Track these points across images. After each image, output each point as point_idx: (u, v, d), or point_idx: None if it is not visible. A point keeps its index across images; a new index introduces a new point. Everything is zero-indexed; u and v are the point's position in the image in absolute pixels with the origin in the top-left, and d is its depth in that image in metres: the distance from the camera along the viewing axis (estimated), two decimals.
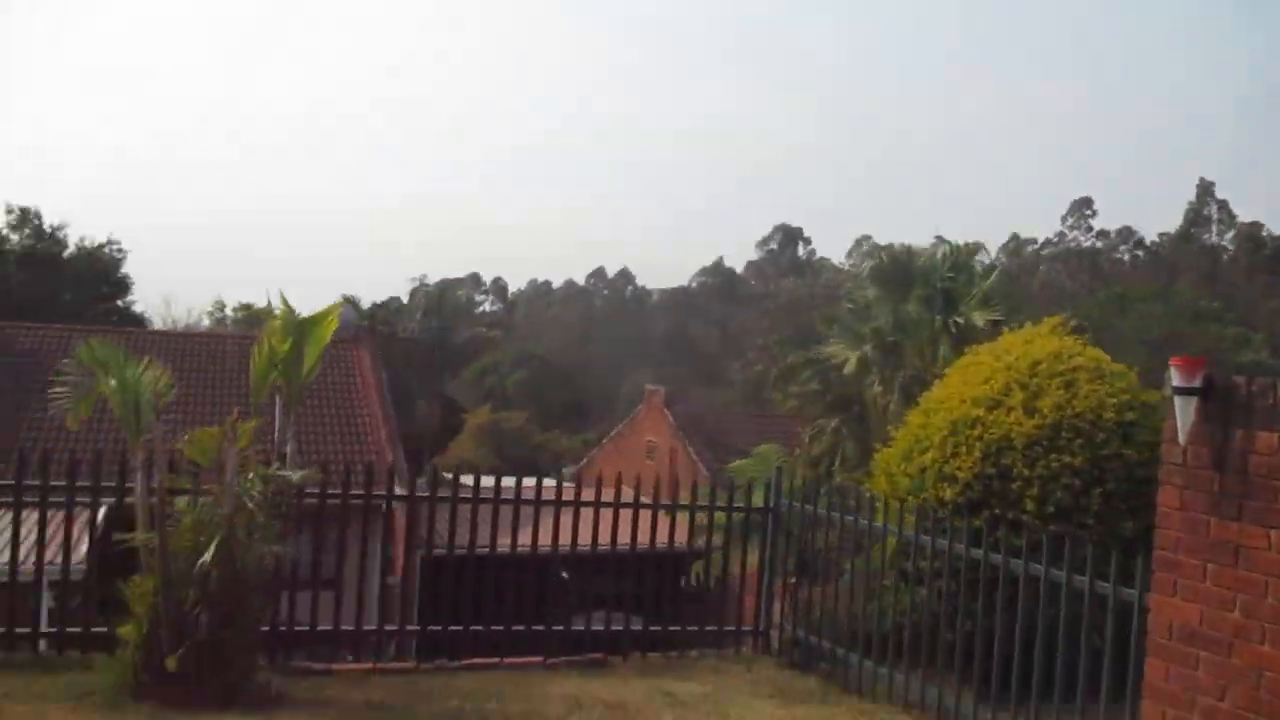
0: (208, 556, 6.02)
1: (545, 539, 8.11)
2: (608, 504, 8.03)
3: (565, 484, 10.03)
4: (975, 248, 18.42)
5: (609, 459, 27.47)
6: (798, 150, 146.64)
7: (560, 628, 8.19)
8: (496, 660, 7.61)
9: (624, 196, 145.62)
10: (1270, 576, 4.83)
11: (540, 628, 8.04)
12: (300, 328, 6.61)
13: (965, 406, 7.89)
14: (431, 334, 45.13)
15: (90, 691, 6.24)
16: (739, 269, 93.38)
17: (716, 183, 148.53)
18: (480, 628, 7.86)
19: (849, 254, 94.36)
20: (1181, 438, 5.14)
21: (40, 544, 7.11)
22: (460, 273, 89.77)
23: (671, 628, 8.34)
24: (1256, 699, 4.64)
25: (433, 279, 66.19)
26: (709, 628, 8.71)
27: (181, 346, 22.55)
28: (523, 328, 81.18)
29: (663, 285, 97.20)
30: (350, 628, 7.68)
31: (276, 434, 6.77)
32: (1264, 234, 69.26)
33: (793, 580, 8.27)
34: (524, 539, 8.01)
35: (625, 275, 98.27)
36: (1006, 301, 16.50)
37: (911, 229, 63.28)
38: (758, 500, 8.74)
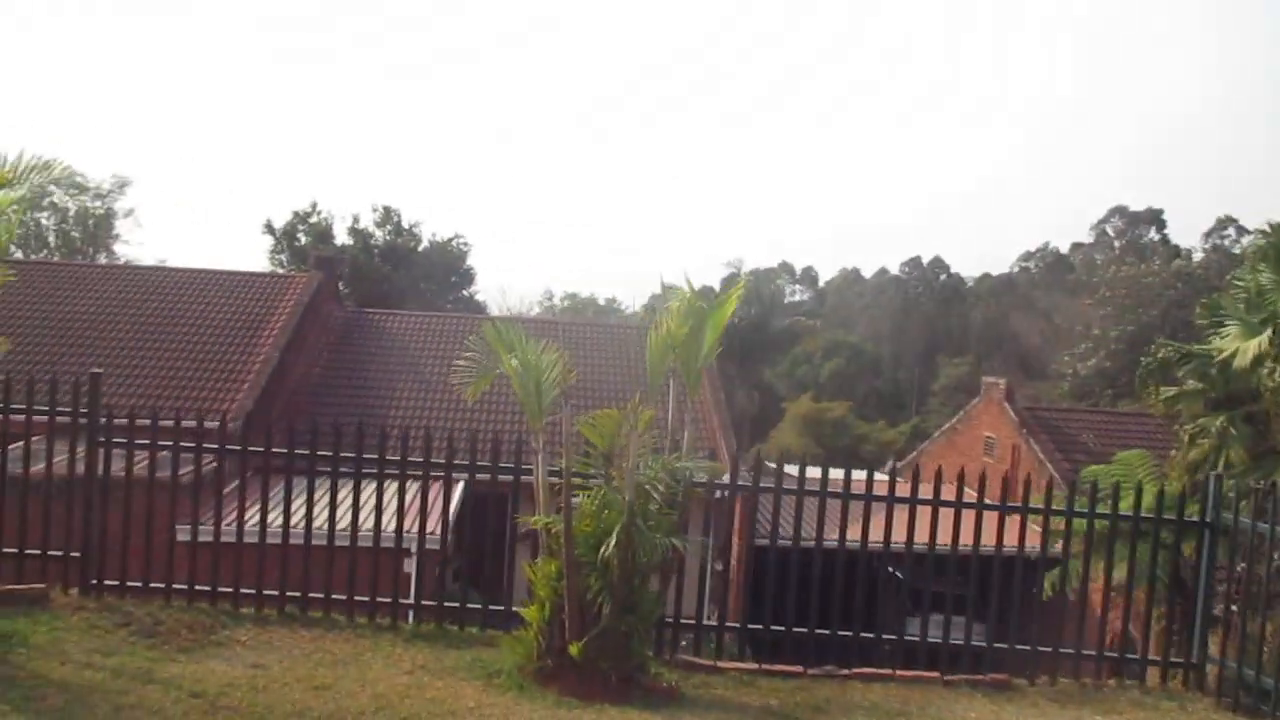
0: (611, 543, 5.88)
1: (877, 536, 7.45)
2: (999, 508, 7.23)
3: (898, 479, 9.09)
4: None
5: (942, 453, 26.09)
6: (1139, 127, 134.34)
7: (896, 636, 7.58)
8: (889, 672, 7.04)
9: (934, 180, 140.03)
10: None
11: (891, 636, 7.44)
12: (699, 311, 6.34)
13: None
14: (749, 322, 45.13)
15: (496, 671, 6.31)
16: (1066, 252, 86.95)
17: (1040, 163, 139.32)
18: (838, 633, 7.37)
19: (1206, 237, 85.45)
20: None
21: (400, 512, 7.39)
22: (770, 261, 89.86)
23: (1042, 648, 7.39)
24: None
25: (746, 267, 66.39)
26: (1087, 651, 7.56)
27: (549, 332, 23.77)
28: (833, 317, 79.92)
29: (980, 272, 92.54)
30: (736, 625, 7.41)
31: (670, 420, 6.54)
32: None
33: (1234, 609, 7.08)
34: (855, 535, 7.42)
35: (939, 263, 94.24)
36: None
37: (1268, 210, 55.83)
38: (1125, 507, 7.75)
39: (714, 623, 7.57)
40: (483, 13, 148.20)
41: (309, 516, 7.51)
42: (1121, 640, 7.72)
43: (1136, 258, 66.90)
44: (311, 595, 7.37)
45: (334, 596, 7.39)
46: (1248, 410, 14.56)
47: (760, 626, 7.65)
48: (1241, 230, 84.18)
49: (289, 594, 7.37)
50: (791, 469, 7.55)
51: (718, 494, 7.67)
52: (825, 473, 7.53)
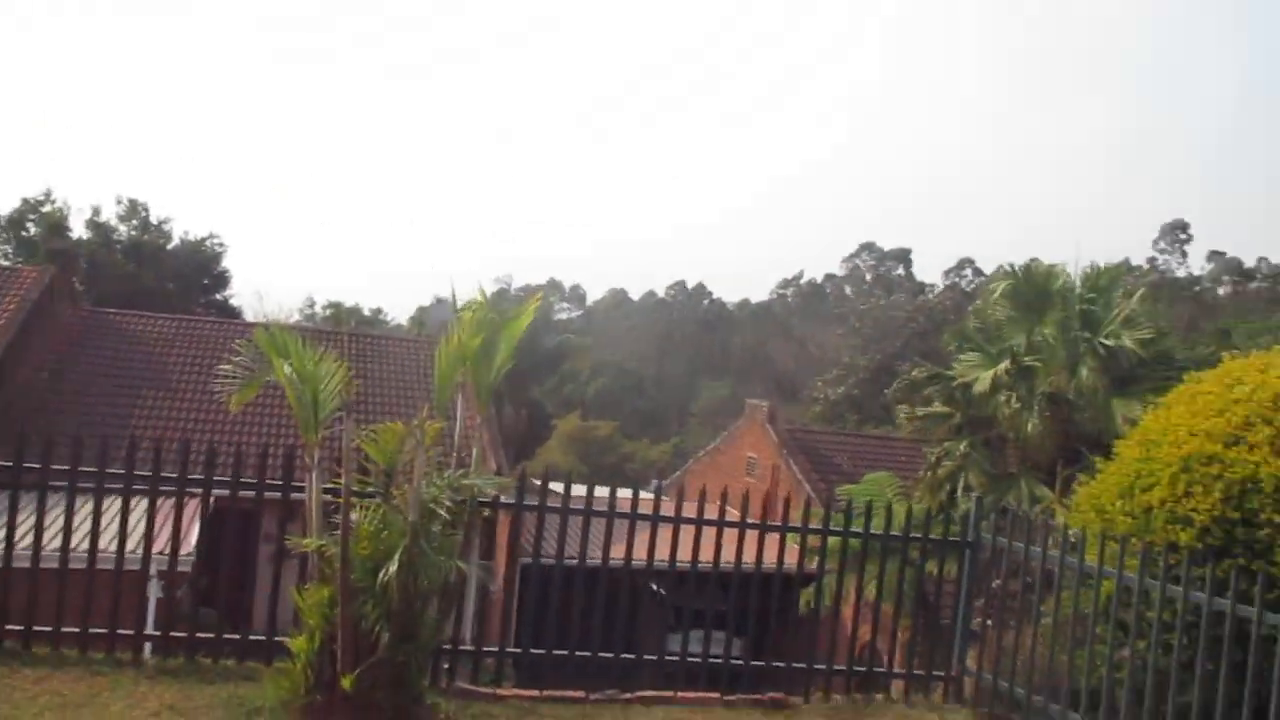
0: (392, 567, 5.50)
1: (641, 553, 7.41)
2: (761, 526, 7.38)
3: (663, 498, 9.11)
4: (1119, 270, 17.45)
5: (706, 472, 26.79)
6: (882, 169, 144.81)
7: (658, 656, 7.57)
8: (670, 694, 6.98)
9: (701, 211, 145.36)
10: None
11: (673, 657, 7.47)
12: (492, 323, 6.08)
13: (1198, 441, 7.07)
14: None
15: (257, 709, 5.77)
16: (820, 282, 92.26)
17: (802, 199, 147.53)
18: (614, 655, 7.26)
19: (947, 274, 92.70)
20: None
21: (150, 535, 6.74)
22: (539, 277, 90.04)
23: (807, 665, 7.60)
24: None
25: (516, 283, 66.22)
26: (838, 667, 7.75)
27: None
28: (601, 337, 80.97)
29: (740, 297, 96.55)
30: (517, 650, 7.14)
31: (456, 436, 6.22)
32: None
33: (989, 623, 7.52)
34: (619, 554, 7.38)
35: (702, 288, 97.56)
36: (1151, 324, 15.52)
37: (1010, 251, 61.64)
38: (877, 525, 8.18)
39: (494, 648, 7.29)
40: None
41: (38, 538, 6.61)
42: (870, 653, 8.07)
43: (885, 291, 71.97)
44: (36, 629, 6.50)
45: (65, 630, 6.55)
46: (986, 435, 15.73)
47: (543, 651, 7.38)
48: (978, 271, 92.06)
49: (7, 628, 6.48)
50: (557, 487, 7.33)
51: (500, 513, 7.43)
52: (592, 490, 7.50)
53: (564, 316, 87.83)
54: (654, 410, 63.96)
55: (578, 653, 7.24)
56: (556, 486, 7.24)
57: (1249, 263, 79.84)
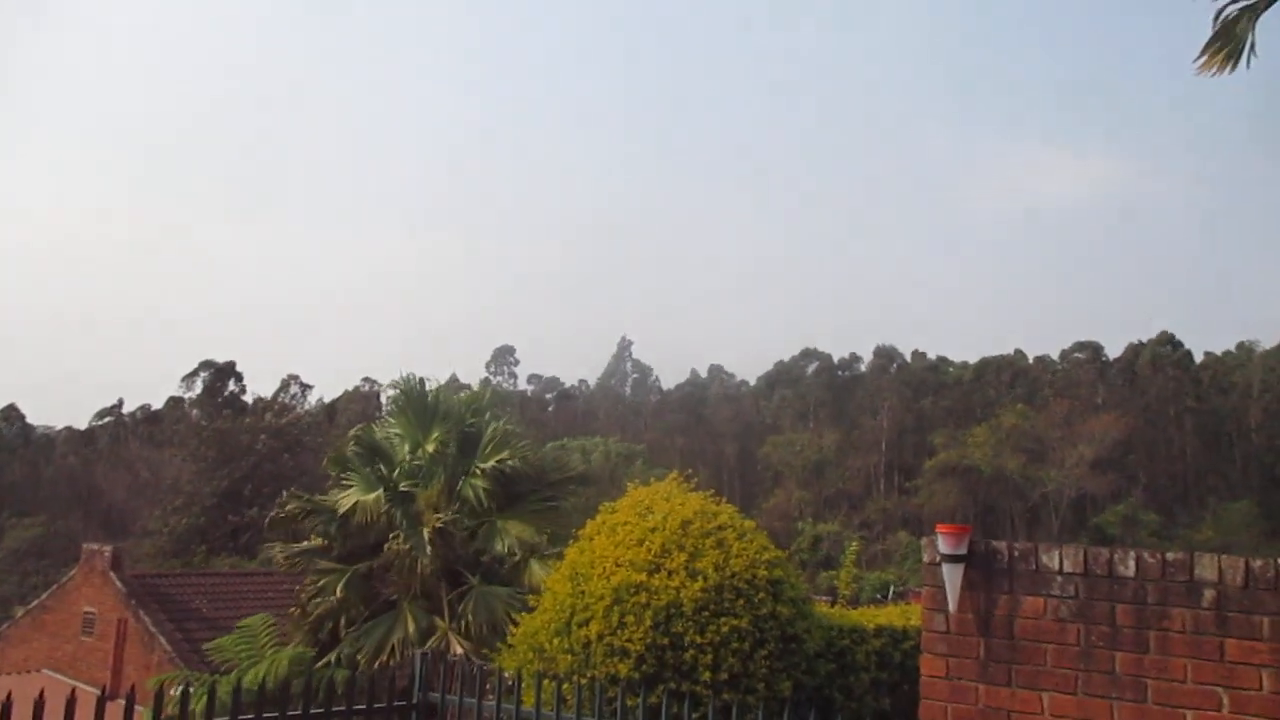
0: None
1: None
2: None
3: None
4: (485, 393, 18.35)
5: (28, 637, 22.42)
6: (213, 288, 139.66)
7: None
8: None
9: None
10: None
11: None
12: None
13: (625, 571, 7.33)
14: None
15: None
16: (160, 408, 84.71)
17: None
18: None
19: (275, 394, 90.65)
20: (952, 604, 5.13)
21: None
22: None
23: None
24: None
25: None
26: None
27: None
28: None
29: (61, 425, 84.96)
30: None
31: None
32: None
33: None
34: None
35: (9, 410, 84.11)
36: (527, 441, 16.50)
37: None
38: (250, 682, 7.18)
39: None
40: None
41: None
42: None
43: (234, 411, 68.22)
44: None
45: None
46: (368, 565, 14.97)
47: None
48: (305, 386, 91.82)
49: None
50: None
51: None
52: None
53: None
54: None
55: None
56: None
57: (569, 383, 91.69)
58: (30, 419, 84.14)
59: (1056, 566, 4.91)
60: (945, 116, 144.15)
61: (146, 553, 49.00)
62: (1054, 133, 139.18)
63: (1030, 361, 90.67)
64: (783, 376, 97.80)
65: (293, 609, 15.20)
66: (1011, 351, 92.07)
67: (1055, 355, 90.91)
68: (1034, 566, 4.98)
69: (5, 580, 56.79)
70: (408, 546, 14.24)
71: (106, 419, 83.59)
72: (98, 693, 5.23)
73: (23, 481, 73.73)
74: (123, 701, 5.08)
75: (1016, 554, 5.04)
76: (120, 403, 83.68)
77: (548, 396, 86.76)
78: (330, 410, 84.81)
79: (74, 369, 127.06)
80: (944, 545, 5.08)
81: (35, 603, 23.76)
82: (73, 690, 5.09)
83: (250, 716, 6.00)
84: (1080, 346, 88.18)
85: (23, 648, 22.50)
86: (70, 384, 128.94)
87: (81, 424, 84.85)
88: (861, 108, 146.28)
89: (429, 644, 13.03)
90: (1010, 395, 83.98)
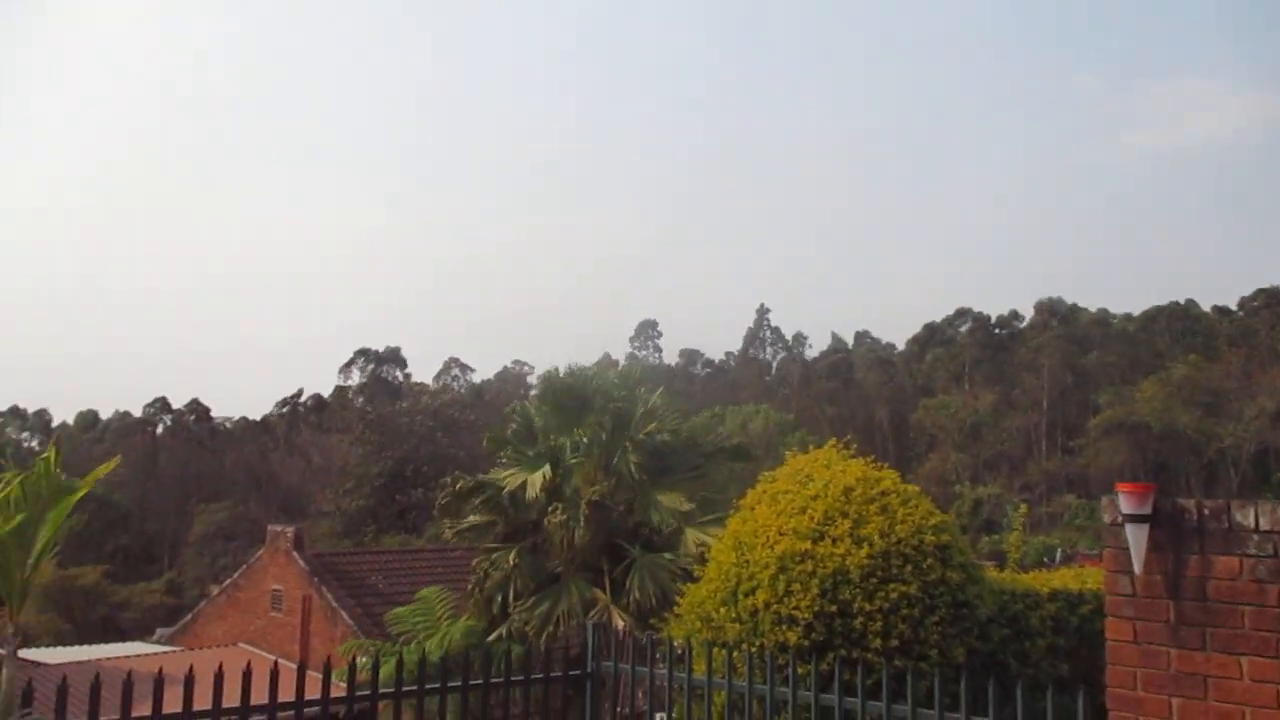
0: None
1: None
2: (320, 703, 5.68)
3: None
4: (636, 369, 18.51)
5: (223, 614, 24.01)
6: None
7: None
8: None
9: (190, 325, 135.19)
10: (1247, 707, 4.69)
11: None
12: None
13: (789, 539, 7.34)
14: None
15: None
16: (327, 396, 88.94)
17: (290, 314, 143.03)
18: None
19: (437, 377, 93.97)
20: (1137, 566, 4.93)
21: None
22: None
23: None
24: None
25: None
26: None
27: None
28: (71, 467, 70.69)
29: (237, 415, 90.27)
30: None
31: None
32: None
33: None
34: None
35: (195, 405, 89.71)
36: (677, 414, 16.60)
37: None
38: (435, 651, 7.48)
39: None
40: None
41: None
42: None
43: (389, 396, 71.27)
44: None
45: None
46: (532, 541, 15.55)
47: None
48: (465, 368, 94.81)
49: None
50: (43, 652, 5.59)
51: None
52: None
53: (29, 446, 75.55)
54: (142, 545, 56.75)
55: None
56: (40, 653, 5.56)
57: (714, 356, 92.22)
58: (212, 411, 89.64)
59: (1252, 524, 4.64)
60: (1095, 58, 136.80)
61: (322, 533, 51.68)
62: (1215, 67, 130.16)
63: (1206, 310, 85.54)
64: (934, 338, 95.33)
65: (471, 585, 15.80)
66: (1182, 300, 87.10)
67: (1233, 304, 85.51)
68: (1226, 525, 4.72)
69: (197, 561, 60.95)
70: (565, 518, 14.59)
71: (285, 409, 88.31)
72: (294, 666, 5.62)
73: (208, 470, 78.72)
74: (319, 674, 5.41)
75: (1207, 512, 4.79)
76: (299, 392, 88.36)
77: (692, 369, 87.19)
78: (478, 391, 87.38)
79: (248, 366, 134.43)
80: (1126, 505, 4.87)
81: (229, 581, 25.47)
82: (275, 662, 5.43)
83: (436, 685, 6.37)
84: (1259, 294, 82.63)
85: (220, 623, 24.18)
86: (243, 378, 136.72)
87: (255, 415, 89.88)
88: (1013, 56, 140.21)
89: (591, 616, 13.38)
90: (1181, 347, 79.56)
